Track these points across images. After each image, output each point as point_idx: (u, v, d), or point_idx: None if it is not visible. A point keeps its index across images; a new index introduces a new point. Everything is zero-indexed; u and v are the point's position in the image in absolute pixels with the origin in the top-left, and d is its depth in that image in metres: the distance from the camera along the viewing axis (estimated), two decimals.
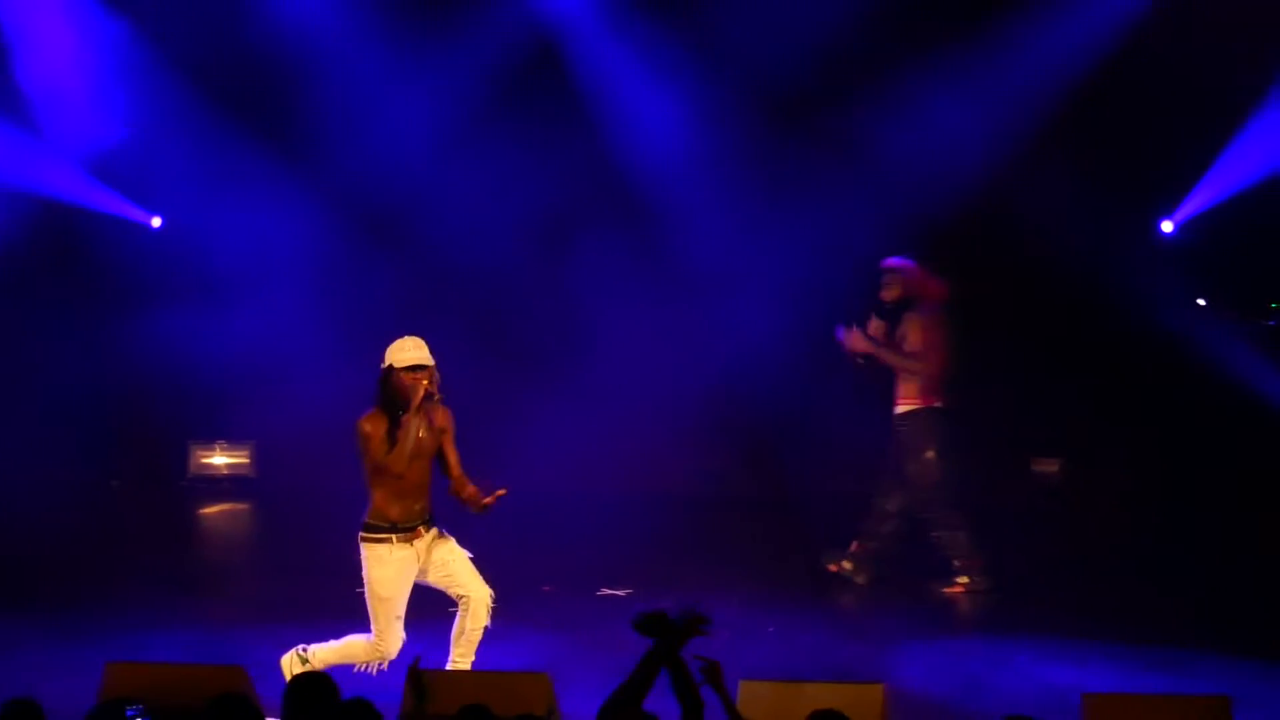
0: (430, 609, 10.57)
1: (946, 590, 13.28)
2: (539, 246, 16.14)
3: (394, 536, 9.96)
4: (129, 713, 6.91)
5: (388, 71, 16.17)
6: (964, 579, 13.28)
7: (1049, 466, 16.18)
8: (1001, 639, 11.57)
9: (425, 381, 9.80)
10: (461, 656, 10.08)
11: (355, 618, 11.59)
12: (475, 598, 10.03)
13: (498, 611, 11.77)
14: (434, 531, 10.09)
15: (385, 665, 10.10)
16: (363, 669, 10.07)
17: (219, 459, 17.40)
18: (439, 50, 16.11)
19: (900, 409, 13.27)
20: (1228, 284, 15.57)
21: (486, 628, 10.18)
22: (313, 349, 16.09)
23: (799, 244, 15.80)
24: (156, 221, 16.96)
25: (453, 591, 10.10)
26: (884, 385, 13.34)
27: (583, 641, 11.26)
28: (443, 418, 9.99)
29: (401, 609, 10.04)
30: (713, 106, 15.79)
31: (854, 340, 13.25)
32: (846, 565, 13.50)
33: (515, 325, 16.04)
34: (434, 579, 10.12)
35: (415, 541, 10.01)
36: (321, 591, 12.83)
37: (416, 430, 9.82)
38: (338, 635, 11.19)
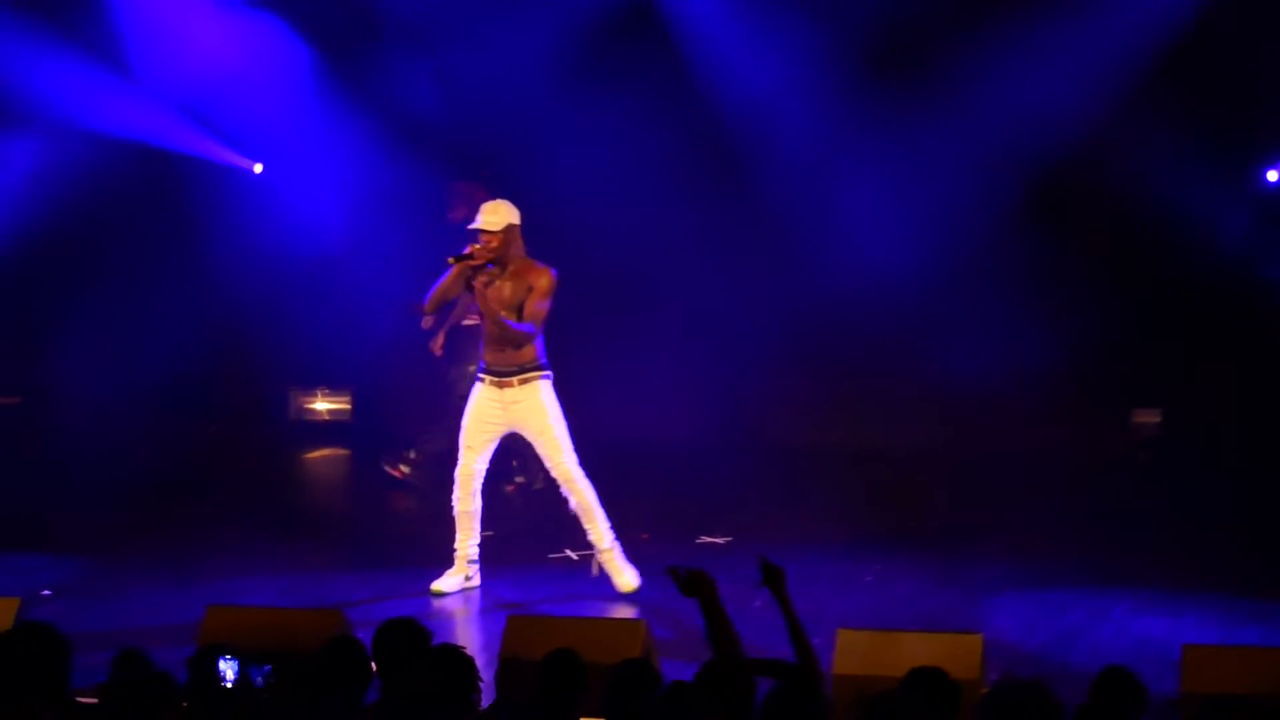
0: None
1: (388, 468, 14.63)
2: (629, 192, 16.01)
3: (487, 378, 11.13)
4: (221, 659, 6.97)
5: (484, 15, 16.11)
6: (405, 468, 14.55)
7: (1150, 418, 16.06)
8: (1099, 591, 11.50)
9: (474, 244, 11.02)
10: (589, 526, 11.24)
11: (449, 564, 11.68)
12: (561, 479, 11.14)
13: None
14: (533, 388, 11.03)
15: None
16: None
17: (320, 404, 17.50)
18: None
19: (468, 322, 13.91)
20: None
21: (589, 500, 11.17)
22: (414, 295, 16.11)
23: (895, 193, 15.70)
24: (259, 167, 17.02)
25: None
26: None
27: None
28: (538, 279, 10.98)
29: (475, 441, 11.15)
30: (808, 53, 15.65)
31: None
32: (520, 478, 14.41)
33: (613, 274, 15.95)
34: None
35: (504, 390, 11.07)
36: (418, 538, 12.92)
37: (451, 280, 11.10)
38: (429, 580, 11.41)
